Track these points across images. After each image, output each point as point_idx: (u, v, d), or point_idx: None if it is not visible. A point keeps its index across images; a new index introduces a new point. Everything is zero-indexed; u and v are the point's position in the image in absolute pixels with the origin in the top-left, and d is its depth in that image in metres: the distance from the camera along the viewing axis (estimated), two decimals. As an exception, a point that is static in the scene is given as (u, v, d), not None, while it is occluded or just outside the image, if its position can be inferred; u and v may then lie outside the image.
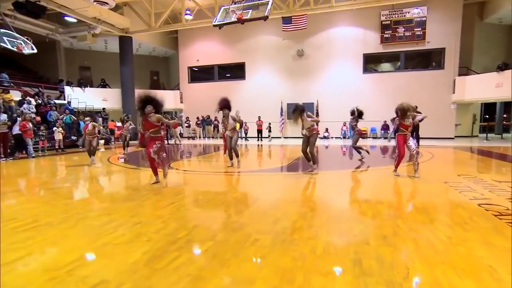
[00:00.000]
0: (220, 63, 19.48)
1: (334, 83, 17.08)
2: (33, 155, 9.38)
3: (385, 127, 16.10)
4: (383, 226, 2.82)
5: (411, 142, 5.23)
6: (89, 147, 7.45)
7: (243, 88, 19.02)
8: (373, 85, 16.65)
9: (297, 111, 5.57)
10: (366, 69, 16.92)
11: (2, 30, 9.81)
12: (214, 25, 8.45)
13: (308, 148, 5.60)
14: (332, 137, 16.71)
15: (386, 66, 17.29)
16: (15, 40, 9.84)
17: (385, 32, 16.26)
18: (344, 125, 16.52)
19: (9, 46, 9.62)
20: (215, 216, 3.24)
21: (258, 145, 13.89)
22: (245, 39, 18.39)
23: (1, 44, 9.44)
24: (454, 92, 15.41)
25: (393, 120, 16.95)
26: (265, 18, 8.00)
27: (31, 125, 9.34)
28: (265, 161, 8.63)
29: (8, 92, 13.09)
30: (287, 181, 5.26)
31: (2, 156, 8.73)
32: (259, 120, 16.28)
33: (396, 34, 16.15)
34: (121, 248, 2.39)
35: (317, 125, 5.74)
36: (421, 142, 12.12)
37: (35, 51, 10.37)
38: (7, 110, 12.60)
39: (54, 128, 10.95)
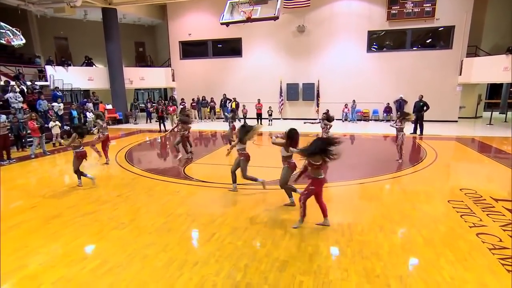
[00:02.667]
0: (214, 38, 19.48)
1: (336, 62, 17.59)
2: (33, 155, 9.93)
3: (387, 110, 17.01)
4: (398, 264, 3.78)
5: None
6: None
7: (239, 66, 19.31)
8: (377, 64, 17.25)
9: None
10: (370, 48, 17.37)
11: (-14, 19, 9.80)
12: (222, 23, 8.78)
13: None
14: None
15: (391, 44, 17.75)
16: (2, 31, 9.89)
17: (393, 7, 16.57)
18: (346, 107, 17.31)
19: (-4, 38, 9.70)
20: (258, 252, 4.12)
21: (259, 133, 14.56)
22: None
23: (-12, 36, 9.50)
24: (460, 74, 16.22)
25: (396, 102, 17.96)
26: (276, 18, 8.39)
27: (36, 124, 9.78)
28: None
29: (-12, 78, 13.14)
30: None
31: (5, 159, 9.26)
32: (259, 103, 16.86)
33: (404, 10, 16.51)
34: (197, 296, 3.27)
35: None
36: (425, 127, 13.13)
37: (24, 41, 10.44)
38: (-10, 99, 12.80)
39: (51, 124, 11.34)
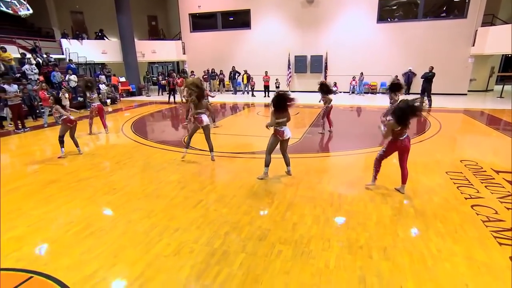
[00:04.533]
0: (223, 10, 18.59)
1: (345, 34, 16.56)
2: (46, 125, 9.89)
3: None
4: (384, 235, 3.45)
5: None
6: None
7: (248, 38, 18.50)
8: (387, 35, 16.15)
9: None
10: (380, 18, 16.17)
11: (-7, -11, 9.47)
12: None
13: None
14: (340, 92, 16.73)
15: (402, 15, 16.44)
16: (8, 0, 9.54)
17: (406, -25, 15.15)
18: (353, 80, 16.46)
19: (3, 8, 9.41)
20: (241, 220, 3.87)
21: (265, 104, 14.14)
22: (250, -18, 17.26)
23: (-5, 6, 9.20)
24: (473, 45, 14.99)
25: (405, 74, 16.93)
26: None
27: (47, 94, 9.66)
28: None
29: (6, 51, 12.99)
30: (300, 168, 5.79)
31: (20, 128, 9.25)
32: (266, 75, 16.22)
33: (418, -23, 15.08)
34: (171, 262, 3.06)
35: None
36: (433, 100, 12.33)
37: (31, 11, 10.10)
38: (8, 71, 12.76)
39: (60, 94, 11.18)
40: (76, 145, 6.76)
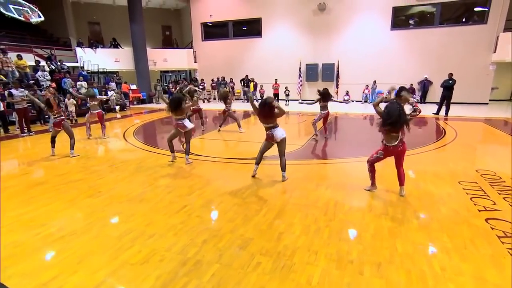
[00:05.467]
0: (234, 19, 18.68)
1: (357, 42, 16.20)
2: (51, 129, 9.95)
3: (411, 91, 15.41)
4: (381, 248, 3.05)
5: None
6: None
7: (259, 46, 18.45)
8: (402, 43, 15.67)
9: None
10: (395, 25, 15.75)
11: (8, -3, 9.77)
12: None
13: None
14: (352, 101, 16.31)
15: (418, 21, 15.95)
16: (21, 8, 9.83)
17: (421, -20, 14.76)
18: (366, 88, 16.00)
19: (15, 15, 9.67)
20: (223, 227, 3.55)
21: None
22: (261, -9, 17.30)
23: (8, 13, 9.46)
24: (495, 51, 14.28)
25: (420, 82, 16.35)
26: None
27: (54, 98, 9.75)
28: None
29: (22, 58, 13.42)
30: (297, 174, 5.45)
31: (25, 131, 9.36)
32: (276, 83, 16.03)
33: (434, -17, 14.65)
34: (137, 271, 2.78)
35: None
36: (451, 109, 11.73)
37: (42, 18, 10.36)
38: (23, 77, 13.13)
39: (66, 100, 11.35)
40: (71, 147, 6.71)
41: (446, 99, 11.40)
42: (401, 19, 15.97)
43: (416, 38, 15.42)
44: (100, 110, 8.65)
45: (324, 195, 4.39)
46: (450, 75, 11.44)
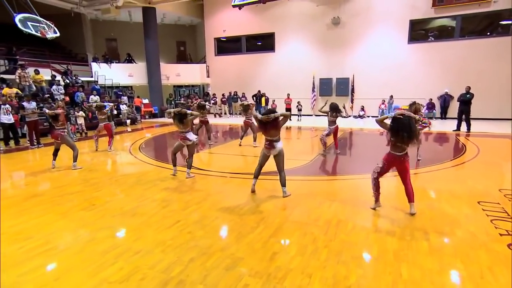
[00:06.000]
0: (248, 34, 18.99)
1: (373, 55, 16.03)
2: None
3: (430, 106, 15.02)
4: (383, 274, 2.78)
5: None
6: None
7: (272, 61, 18.58)
8: (420, 56, 15.38)
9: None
10: (412, 38, 15.52)
11: (26, 15, 10.28)
12: (234, 5, 8.16)
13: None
14: (368, 116, 15.98)
15: (437, 34, 15.67)
16: (38, 24, 10.32)
17: (440, -8, 14.59)
18: (383, 103, 15.66)
19: (33, 32, 10.13)
20: (214, 245, 3.38)
21: (286, 127, 13.76)
22: (274, 6, 17.53)
23: (26, 29, 9.93)
24: (520, 65, 13.73)
25: (440, 97, 15.82)
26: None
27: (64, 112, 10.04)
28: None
29: (39, 73, 14.02)
30: (301, 190, 5.23)
31: (34, 143, 9.60)
32: (288, 97, 15.96)
33: (454, -6, 14.44)
34: (114, 290, 2.63)
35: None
36: (473, 125, 11.24)
37: (58, 34, 10.83)
38: (39, 91, 13.67)
39: (76, 113, 11.66)
40: (74, 159, 6.78)
41: (464, 114, 10.96)
42: (418, 32, 15.73)
43: (435, 52, 15.10)
44: (108, 122, 8.77)
45: (326, 213, 4.15)
46: (468, 88, 11.03)
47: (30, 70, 13.56)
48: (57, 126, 6.74)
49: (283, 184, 4.74)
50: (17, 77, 12.96)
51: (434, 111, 15.01)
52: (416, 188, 4.01)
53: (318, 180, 5.87)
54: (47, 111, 11.06)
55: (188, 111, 5.82)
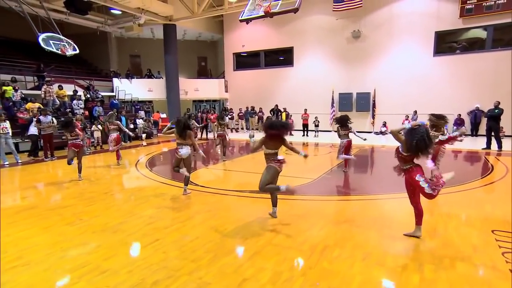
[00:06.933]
0: (266, 49, 19.19)
1: (396, 69, 15.58)
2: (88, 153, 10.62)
3: (459, 122, 14.22)
4: (360, 311, 2.51)
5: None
6: None
7: (290, 75, 18.59)
8: (447, 69, 14.75)
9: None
10: (438, 51, 14.94)
11: (49, 34, 10.98)
12: (241, 20, 8.25)
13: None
14: (388, 133, 15.37)
15: (466, 45, 14.99)
16: (59, 42, 10.97)
17: (468, 1, 14.06)
18: (406, 119, 15.03)
19: (54, 49, 10.76)
20: (184, 267, 3.24)
21: (303, 143, 13.55)
22: (293, 21, 17.66)
23: (48, 47, 10.59)
24: (561, 77, 12.75)
25: (470, 113, 14.96)
26: (296, 10, 7.52)
27: (81, 125, 10.54)
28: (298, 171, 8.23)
29: (62, 88, 14.87)
30: (295, 211, 5.00)
31: (48, 156, 10.06)
32: (305, 113, 15.75)
33: (483, 4, 13.86)
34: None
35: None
36: (506, 143, 10.46)
37: (77, 51, 11.44)
38: (61, 105, 14.47)
39: (93, 127, 12.13)
40: (79, 171, 6.97)
41: (492, 130, 10.24)
42: (445, 44, 15.14)
43: (464, 64, 14.40)
44: (117, 133, 9.01)
45: (315, 236, 3.90)
46: (497, 103, 10.32)
47: (56, 86, 14.47)
48: (71, 136, 6.98)
49: (275, 204, 4.54)
50: (42, 92, 13.84)
51: (463, 127, 14.17)
52: (427, 211, 3.66)
53: (316, 200, 5.59)
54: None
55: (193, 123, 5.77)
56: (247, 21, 8.22)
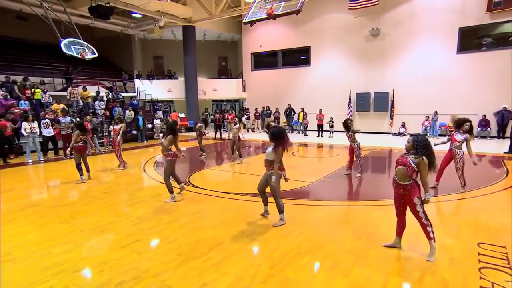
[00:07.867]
0: (283, 48, 19.10)
1: (416, 68, 14.98)
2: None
3: (483, 123, 13.42)
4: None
5: None
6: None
7: (307, 75, 18.40)
8: (471, 68, 13.97)
9: None
10: (462, 48, 14.16)
11: (71, 39, 11.60)
12: (245, 23, 8.32)
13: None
14: (409, 134, 14.77)
15: (494, 42, 14.09)
16: (79, 47, 11.57)
17: (496, -5, 13.20)
18: (427, 120, 14.42)
19: (74, 54, 11.36)
20: (152, 269, 3.35)
21: (318, 144, 13.40)
22: (311, 20, 17.47)
23: (69, 52, 11.20)
24: None
25: (497, 113, 14.08)
26: (297, 12, 7.47)
27: (90, 126, 11.08)
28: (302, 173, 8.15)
29: (86, 89, 15.66)
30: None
31: (67, 154, 10.65)
32: (320, 113, 15.51)
33: (514, -4, 12.93)
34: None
35: None
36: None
37: (96, 55, 12.00)
38: (85, 106, 15.23)
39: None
40: (87, 170, 7.35)
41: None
42: (470, 40, 14.31)
43: (491, 62, 13.55)
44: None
45: (290, 243, 3.88)
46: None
47: (81, 88, 15.28)
48: (80, 139, 7.33)
49: (266, 203, 4.71)
50: (68, 93, 14.65)
51: (489, 129, 13.37)
52: (412, 220, 3.50)
53: (305, 205, 5.53)
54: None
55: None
56: (251, 23, 8.24)
